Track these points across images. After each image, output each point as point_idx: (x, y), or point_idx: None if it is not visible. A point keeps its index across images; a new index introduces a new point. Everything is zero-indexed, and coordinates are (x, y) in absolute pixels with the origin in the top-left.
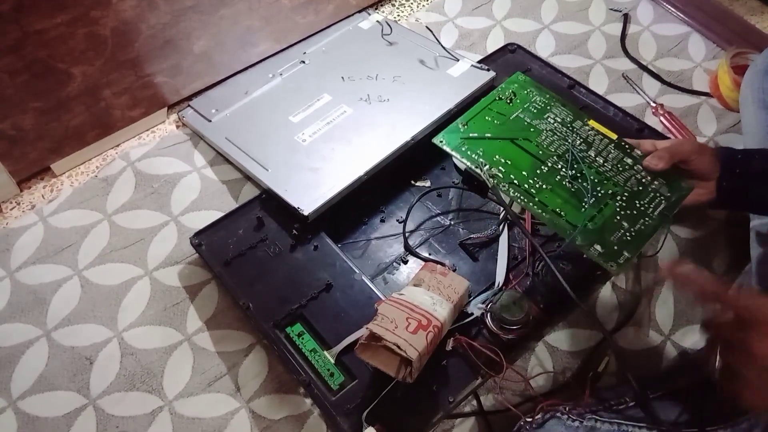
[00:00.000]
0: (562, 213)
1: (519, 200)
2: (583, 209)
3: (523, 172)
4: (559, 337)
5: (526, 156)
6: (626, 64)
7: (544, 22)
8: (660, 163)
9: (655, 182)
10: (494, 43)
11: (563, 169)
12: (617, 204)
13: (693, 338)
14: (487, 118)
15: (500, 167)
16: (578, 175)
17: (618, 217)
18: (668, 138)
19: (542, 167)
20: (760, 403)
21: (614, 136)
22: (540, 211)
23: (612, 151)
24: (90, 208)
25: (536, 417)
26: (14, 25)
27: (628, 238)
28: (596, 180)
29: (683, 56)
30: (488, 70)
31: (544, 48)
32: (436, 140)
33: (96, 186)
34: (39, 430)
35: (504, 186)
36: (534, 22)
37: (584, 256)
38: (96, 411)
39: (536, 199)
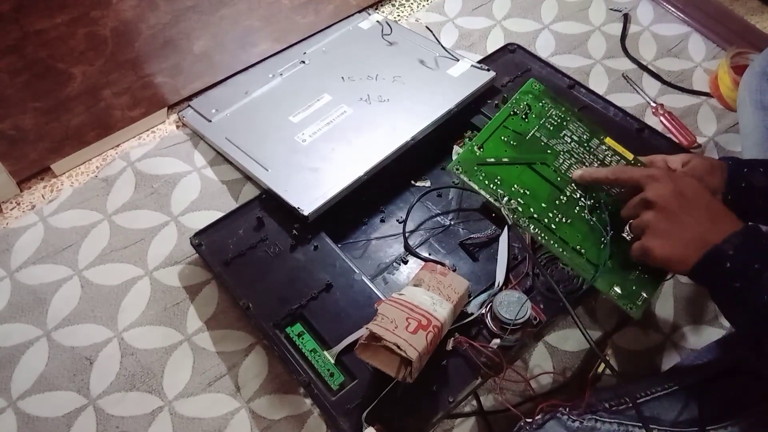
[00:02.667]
0: (582, 251)
1: (540, 237)
2: (602, 246)
3: (543, 204)
4: (559, 337)
5: (545, 184)
6: (626, 64)
7: (544, 22)
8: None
9: None
10: (494, 43)
11: (582, 199)
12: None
13: (693, 338)
14: (502, 138)
15: (519, 198)
16: (596, 205)
17: None
18: (668, 138)
19: (561, 197)
20: (664, 251)
21: (630, 156)
22: (561, 249)
23: None
24: (90, 208)
25: (536, 417)
26: (14, 25)
27: (646, 276)
28: (614, 210)
29: (683, 56)
30: (488, 70)
31: (544, 48)
32: (451, 167)
33: (96, 186)
34: (39, 430)
35: (524, 221)
36: (534, 22)
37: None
38: (96, 411)
39: (557, 236)
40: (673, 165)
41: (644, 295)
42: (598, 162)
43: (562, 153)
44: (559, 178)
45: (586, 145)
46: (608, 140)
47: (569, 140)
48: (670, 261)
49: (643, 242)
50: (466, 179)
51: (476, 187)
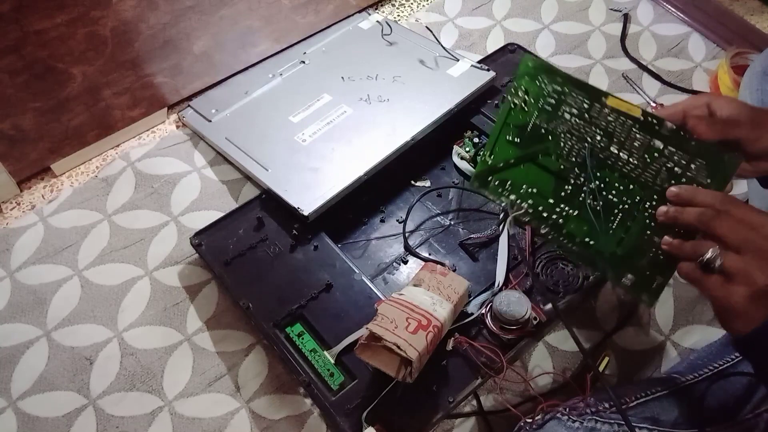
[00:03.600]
0: (591, 242)
1: (551, 236)
2: (610, 232)
3: (550, 200)
4: (559, 337)
5: (549, 177)
6: (626, 64)
7: (544, 22)
8: (709, 132)
9: (692, 165)
10: (494, 43)
11: (585, 183)
12: (647, 213)
13: (693, 338)
14: (507, 137)
15: (529, 200)
16: (602, 185)
17: (649, 232)
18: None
19: (566, 187)
20: (742, 301)
21: (638, 112)
22: (570, 244)
23: (637, 136)
24: (90, 208)
25: (536, 418)
26: (14, 25)
27: (661, 256)
28: (621, 188)
29: (683, 56)
30: (488, 70)
31: (544, 48)
32: (473, 186)
33: (96, 186)
34: (39, 430)
35: (536, 222)
36: (534, 22)
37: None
38: (96, 411)
39: (564, 231)
40: (717, 116)
41: (659, 278)
42: (601, 132)
43: (562, 134)
44: (562, 166)
45: (587, 116)
46: (611, 101)
47: (569, 116)
48: (735, 311)
49: (731, 285)
50: (485, 193)
51: (493, 197)
